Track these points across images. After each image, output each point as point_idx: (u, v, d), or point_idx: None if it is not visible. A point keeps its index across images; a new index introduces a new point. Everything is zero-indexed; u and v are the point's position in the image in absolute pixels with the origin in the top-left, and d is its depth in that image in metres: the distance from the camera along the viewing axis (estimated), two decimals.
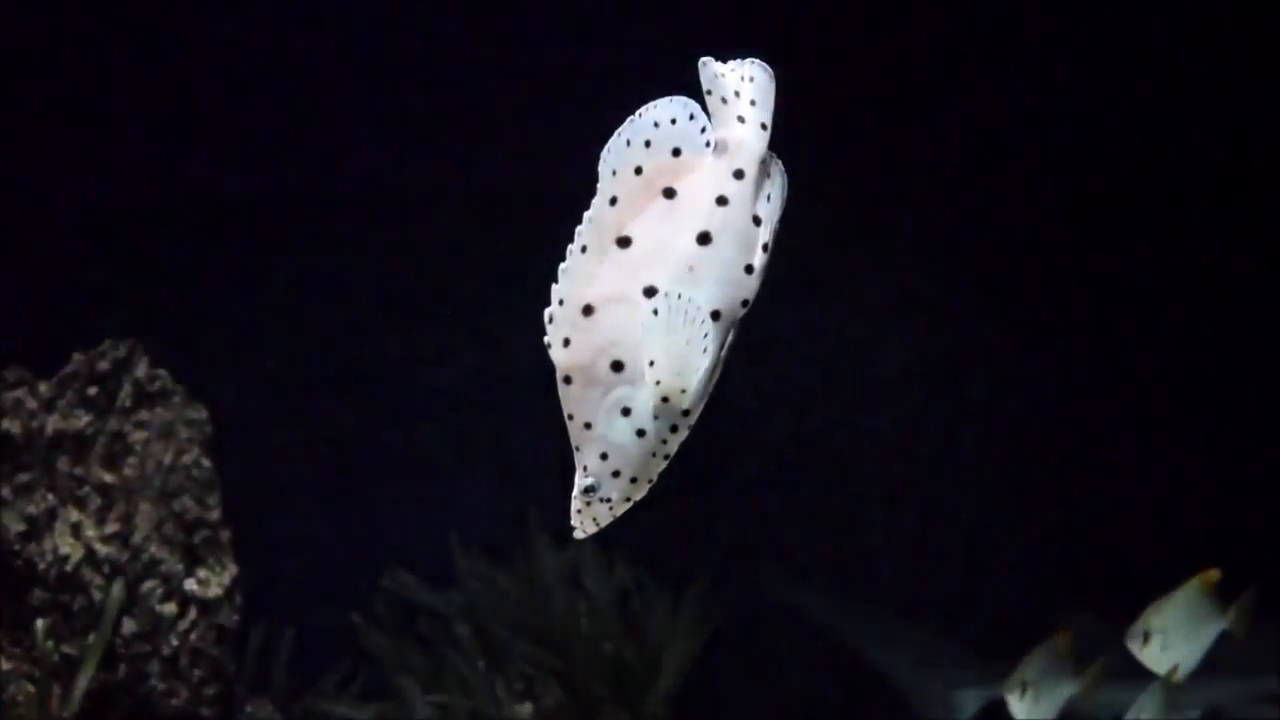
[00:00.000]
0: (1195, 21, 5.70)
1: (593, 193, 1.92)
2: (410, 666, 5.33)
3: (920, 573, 5.97)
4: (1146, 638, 4.42)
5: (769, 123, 1.96)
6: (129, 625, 4.71)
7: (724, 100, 1.94)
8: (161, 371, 4.99)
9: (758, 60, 1.98)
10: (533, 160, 5.77)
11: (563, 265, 1.93)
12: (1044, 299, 6.04)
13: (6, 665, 4.57)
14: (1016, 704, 4.60)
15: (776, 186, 1.95)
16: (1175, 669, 4.39)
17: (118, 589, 4.65)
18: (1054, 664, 4.63)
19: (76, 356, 4.91)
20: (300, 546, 5.88)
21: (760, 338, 5.74)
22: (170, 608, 4.77)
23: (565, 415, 1.97)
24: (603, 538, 5.45)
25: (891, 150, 5.97)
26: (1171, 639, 4.42)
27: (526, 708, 5.25)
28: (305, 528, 5.94)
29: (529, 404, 5.70)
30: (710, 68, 1.95)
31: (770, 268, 1.92)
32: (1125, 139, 5.85)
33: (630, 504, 2.02)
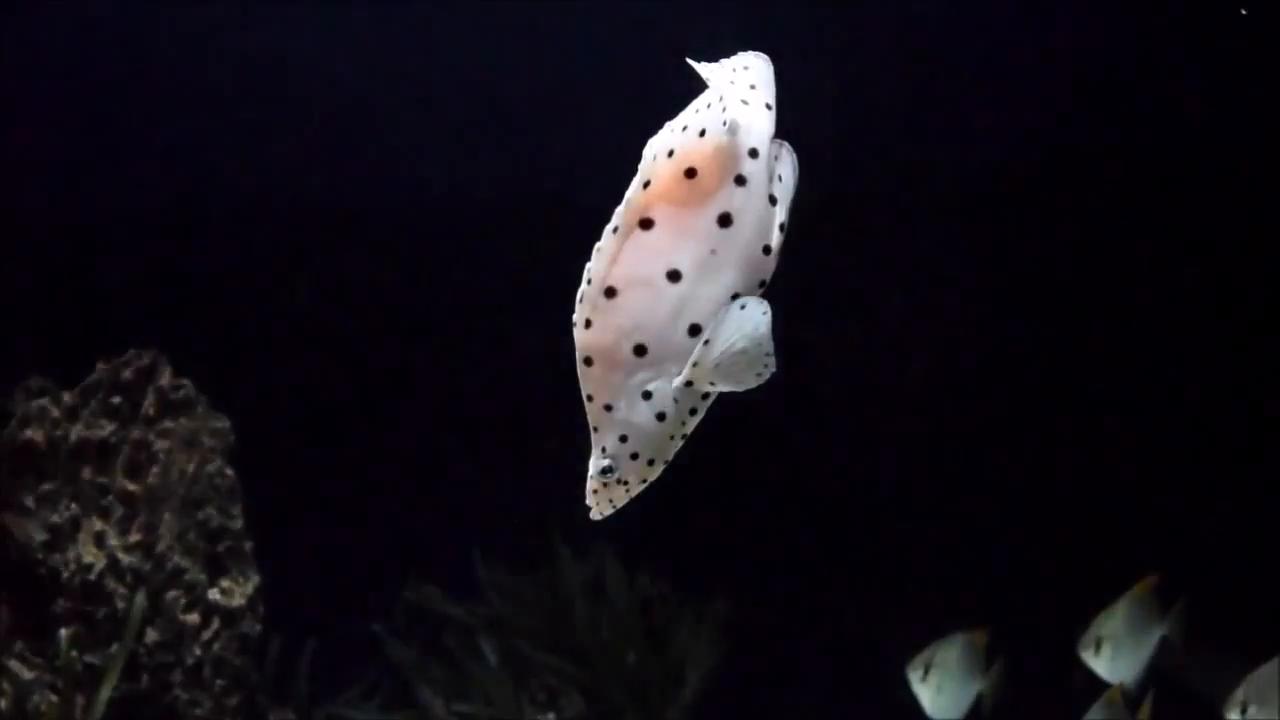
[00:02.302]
0: (1212, 31, 5.68)
1: (614, 203, 1.93)
2: (432, 677, 5.32)
3: (945, 584, 5.94)
4: (1099, 646, 4.48)
5: (773, 103, 1.96)
6: (152, 635, 4.72)
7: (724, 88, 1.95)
8: (185, 381, 5.00)
9: (751, 52, 1.99)
10: (554, 170, 5.77)
11: (598, 244, 1.93)
12: (1070, 309, 6.02)
13: (29, 675, 4.57)
14: (919, 685, 4.66)
15: (787, 168, 1.95)
16: (1119, 686, 4.43)
17: (141, 598, 4.66)
18: (965, 657, 4.68)
19: (100, 365, 4.93)
20: (323, 556, 5.87)
21: (783, 349, 5.72)
22: (193, 617, 4.77)
23: (584, 396, 1.97)
24: (625, 548, 5.42)
25: (917, 160, 5.95)
26: (1119, 647, 4.49)
27: (549, 718, 5.25)
28: (328, 537, 5.94)
29: (551, 414, 5.70)
30: (702, 66, 1.96)
31: (784, 249, 1.92)
32: (1152, 152, 5.83)
33: (645, 485, 2.02)
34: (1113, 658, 4.51)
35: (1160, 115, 5.82)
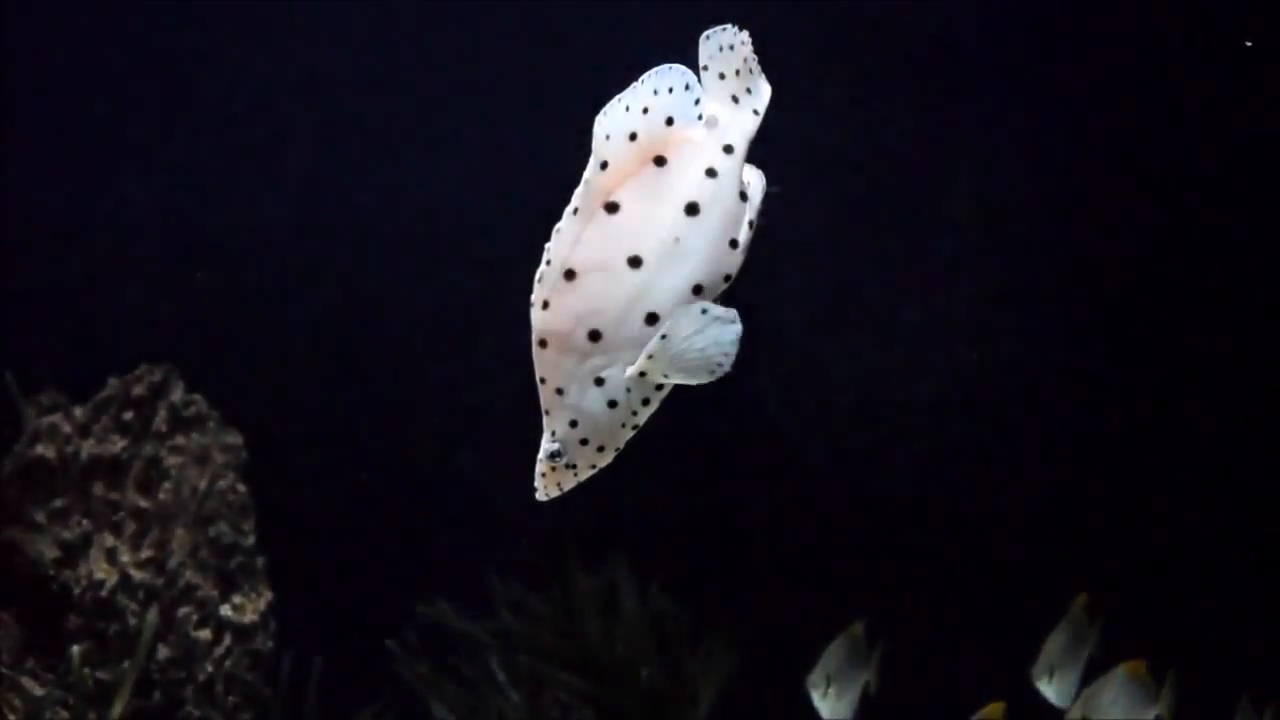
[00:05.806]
0: (1230, 46, 5.67)
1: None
2: (445, 694, 5.31)
3: (957, 599, 5.92)
4: (1052, 674, 4.49)
5: (762, 109, 1.95)
6: (164, 651, 4.71)
7: (721, 76, 1.94)
8: (197, 396, 5.00)
9: (745, 40, 1.96)
10: (572, 183, 5.76)
11: (557, 226, 1.94)
12: (1082, 324, 6.00)
13: (41, 691, 4.56)
14: (820, 701, 4.68)
15: (755, 175, 1.95)
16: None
17: (152, 615, 4.64)
18: (852, 654, 4.70)
19: (112, 381, 4.92)
20: (335, 572, 5.86)
21: (797, 363, 5.72)
22: (205, 634, 4.76)
23: (537, 379, 1.97)
24: (639, 563, 5.37)
25: (932, 174, 5.94)
26: (1061, 670, 4.49)
27: None
28: (340, 553, 5.93)
29: None
30: (713, 41, 1.95)
31: (752, 246, 1.91)
32: (1167, 163, 5.81)
33: (594, 471, 2.01)
34: (1060, 683, 4.52)
35: (1171, 132, 5.81)
